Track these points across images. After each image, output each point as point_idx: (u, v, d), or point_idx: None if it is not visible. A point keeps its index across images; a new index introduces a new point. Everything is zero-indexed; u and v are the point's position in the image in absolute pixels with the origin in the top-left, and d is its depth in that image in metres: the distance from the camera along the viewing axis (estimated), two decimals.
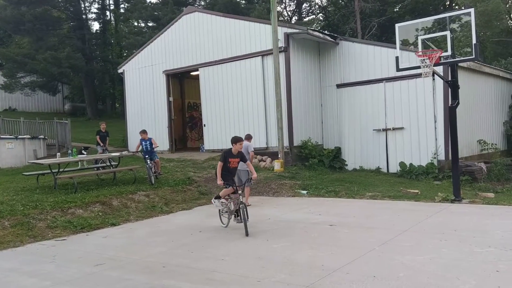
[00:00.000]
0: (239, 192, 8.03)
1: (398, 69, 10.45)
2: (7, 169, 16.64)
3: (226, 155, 8.23)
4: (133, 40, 29.35)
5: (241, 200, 8.01)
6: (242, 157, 8.34)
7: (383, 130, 15.34)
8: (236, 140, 8.29)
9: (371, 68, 15.58)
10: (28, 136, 19.09)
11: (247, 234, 7.58)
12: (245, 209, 7.84)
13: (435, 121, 14.13)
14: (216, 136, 17.62)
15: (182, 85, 21.65)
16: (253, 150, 11.60)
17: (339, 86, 16.38)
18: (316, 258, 6.16)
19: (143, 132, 12.69)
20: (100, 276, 5.80)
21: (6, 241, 7.70)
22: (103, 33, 37.84)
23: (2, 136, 17.96)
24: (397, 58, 10.29)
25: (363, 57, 15.77)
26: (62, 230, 8.46)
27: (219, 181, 7.97)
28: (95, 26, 40.17)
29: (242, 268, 5.85)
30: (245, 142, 11.61)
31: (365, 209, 9.78)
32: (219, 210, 8.45)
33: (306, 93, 16.23)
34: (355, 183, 13.17)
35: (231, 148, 8.27)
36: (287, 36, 15.36)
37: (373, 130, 15.56)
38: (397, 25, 10.36)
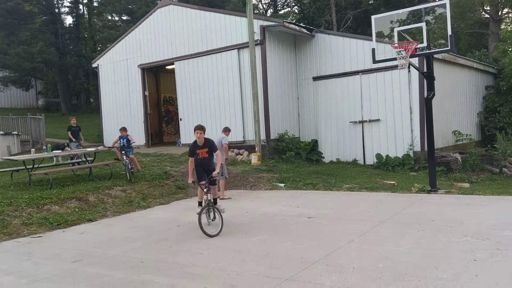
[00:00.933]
0: (205, 190, 7.58)
1: (374, 61, 10.57)
2: None
3: (193, 148, 7.86)
4: (107, 34, 28.85)
5: (209, 198, 7.60)
6: (210, 146, 7.92)
7: (360, 122, 15.51)
8: (196, 128, 7.94)
9: (347, 60, 15.70)
10: (1, 132, 18.68)
11: (214, 235, 7.24)
12: (213, 210, 7.61)
13: (410, 113, 14.35)
14: (192, 130, 17.40)
15: (158, 79, 21.41)
16: (227, 143, 11.60)
17: (315, 78, 16.47)
18: (295, 250, 6.22)
19: (123, 129, 12.65)
20: (78, 273, 5.74)
21: None
22: (77, 27, 37.06)
23: None
24: (373, 50, 10.40)
25: (339, 50, 15.86)
26: (38, 227, 8.31)
27: (190, 179, 7.65)
28: (68, 20, 39.51)
29: (221, 262, 5.87)
30: (220, 135, 11.66)
31: (343, 201, 9.91)
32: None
33: (282, 86, 16.27)
34: (332, 175, 13.30)
35: (196, 140, 7.91)
36: (263, 29, 15.33)
37: (350, 122, 15.71)
38: (373, 17, 10.46)
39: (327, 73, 16.12)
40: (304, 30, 16.13)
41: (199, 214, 7.37)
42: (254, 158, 14.53)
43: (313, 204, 9.75)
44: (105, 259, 6.30)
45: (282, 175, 13.40)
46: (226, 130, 11.87)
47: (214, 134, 16.49)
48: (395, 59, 9.89)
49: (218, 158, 8.08)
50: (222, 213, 7.68)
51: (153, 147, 18.79)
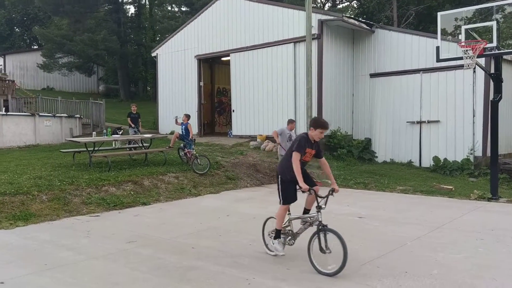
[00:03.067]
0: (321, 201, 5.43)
1: (438, 60, 10.15)
2: (44, 146, 17.21)
3: (304, 143, 5.42)
4: (167, 24, 29.55)
5: (319, 218, 5.33)
6: (318, 150, 5.67)
7: (417, 122, 15.01)
8: (321, 124, 5.49)
9: (408, 58, 15.20)
10: (65, 115, 19.68)
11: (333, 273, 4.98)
12: (325, 236, 5.17)
13: (473, 115, 13.71)
14: (244, 122, 17.66)
15: (213, 70, 21.73)
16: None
17: (372, 75, 16.09)
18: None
19: (185, 116, 12.79)
20: (132, 253, 5.94)
21: (43, 214, 7.98)
22: (138, 17, 38.26)
23: (40, 114, 18.55)
24: (437, 48, 9.99)
25: (400, 47, 15.39)
26: (96, 207, 8.68)
27: (303, 185, 5.21)
28: (131, 9, 40.65)
29: (271, 255, 5.86)
30: (288, 129, 11.43)
31: (396, 203, 9.63)
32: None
33: (337, 82, 16.02)
34: (385, 176, 12.98)
35: (306, 134, 5.55)
36: (321, 23, 15.14)
37: (407, 122, 15.24)
38: (439, 14, 10.03)
39: (386, 70, 15.70)
40: (364, 25, 15.77)
41: (310, 242, 5.28)
42: None
43: (364, 204, 9.56)
44: (157, 242, 6.48)
45: (332, 173, 13.08)
46: (292, 122, 11.66)
47: (266, 128, 16.58)
48: (461, 58, 9.45)
49: (327, 167, 5.88)
50: (341, 238, 5.02)
51: (205, 136, 19.12)
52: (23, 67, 35.57)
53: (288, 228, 5.80)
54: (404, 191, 11.14)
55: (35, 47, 43.24)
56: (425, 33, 16.19)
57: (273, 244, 5.71)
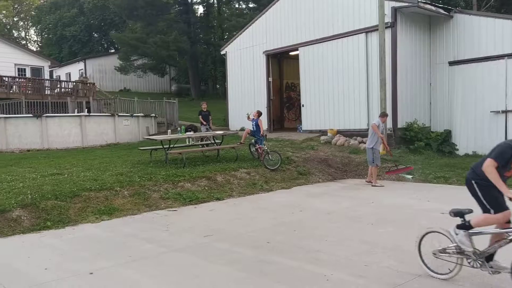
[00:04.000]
0: None
1: None
2: (123, 144, 18.17)
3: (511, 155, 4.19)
4: (235, 22, 29.95)
5: None
6: None
7: (503, 112, 13.94)
8: None
9: (491, 43, 14.15)
10: (142, 114, 20.61)
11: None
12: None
13: None
14: (314, 116, 17.42)
15: (281, 65, 21.66)
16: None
17: (451, 63, 15.17)
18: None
19: (257, 112, 12.89)
20: (210, 247, 6.06)
21: (126, 208, 8.39)
22: (207, 16, 39.15)
23: (119, 114, 19.58)
24: None
25: (482, 32, 14.36)
26: (173, 201, 8.99)
27: (508, 192, 4.08)
28: (200, 9, 41.72)
29: (347, 251, 5.72)
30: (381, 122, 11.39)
31: None
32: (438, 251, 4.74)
33: (413, 72, 15.30)
34: (468, 170, 12.19)
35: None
36: (395, 10, 14.51)
37: (491, 112, 14.20)
38: None
39: (466, 58, 14.73)
40: (441, 11, 14.91)
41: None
42: (380, 147, 13.94)
43: (446, 199, 9.03)
44: (233, 237, 6.56)
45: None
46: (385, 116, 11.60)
47: (336, 121, 16.25)
48: None
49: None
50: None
51: (275, 132, 19.13)
52: (102, 70, 37.80)
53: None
54: None
55: (112, 51, 45.77)
56: (510, 15, 14.98)
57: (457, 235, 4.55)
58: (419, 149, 14.48)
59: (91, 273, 5.09)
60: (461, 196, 9.19)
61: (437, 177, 11.55)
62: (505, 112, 13.92)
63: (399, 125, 14.90)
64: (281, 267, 5.17)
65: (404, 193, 9.81)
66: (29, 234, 6.96)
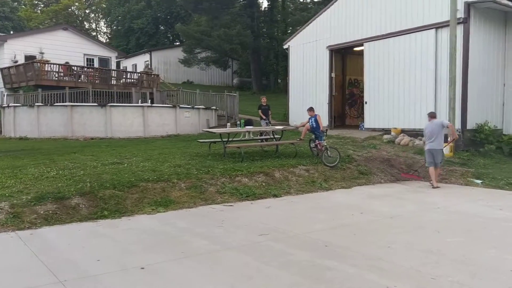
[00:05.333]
0: None
1: None
2: (184, 135, 18.48)
3: None
4: (299, 16, 29.58)
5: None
6: None
7: None
8: None
9: None
10: (203, 107, 20.88)
11: None
12: None
13: None
14: (377, 114, 16.77)
15: (344, 60, 21.07)
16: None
17: None
18: (501, 260, 5.32)
19: (309, 109, 12.67)
20: (264, 246, 5.91)
21: (182, 201, 8.43)
22: (271, 11, 38.99)
23: (181, 106, 19.95)
24: None
25: None
26: (229, 196, 8.93)
27: None
28: (264, 3, 41.69)
29: (412, 260, 5.35)
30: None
31: None
32: None
33: (485, 71, 14.28)
34: None
35: None
36: (468, 5, 13.59)
37: None
38: None
39: None
40: None
41: None
42: (446, 149, 13.16)
43: None
44: (289, 237, 6.37)
45: (478, 171, 11.91)
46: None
47: (401, 120, 15.52)
48: None
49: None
50: None
51: (336, 129, 18.66)
52: (166, 62, 38.85)
53: None
54: None
55: (177, 43, 46.91)
56: None
57: None
58: (490, 153, 13.56)
59: (142, 268, 5.07)
60: None
61: (510, 183, 10.73)
62: None
63: (469, 127, 14.01)
64: (339, 274, 4.91)
65: (473, 199, 9.15)
66: (85, 223, 7.10)
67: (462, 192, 10.13)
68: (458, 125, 13.70)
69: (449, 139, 11.90)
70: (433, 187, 10.51)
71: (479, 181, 11.04)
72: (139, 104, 19.61)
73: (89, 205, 7.71)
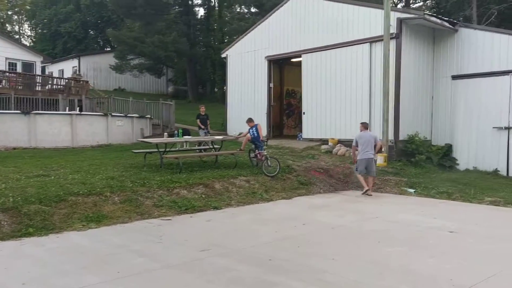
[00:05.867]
0: None
1: None
2: (116, 145, 17.65)
3: None
4: (236, 25, 29.58)
5: None
6: None
7: (505, 128, 13.68)
8: None
9: (496, 59, 13.92)
10: (136, 115, 20.10)
11: None
12: None
13: None
14: (315, 125, 17.06)
15: (282, 71, 21.30)
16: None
17: (454, 77, 14.92)
18: (440, 270, 5.43)
19: (249, 120, 12.55)
20: (207, 263, 5.62)
21: (116, 216, 7.90)
22: (207, 19, 38.79)
23: (113, 114, 19.07)
24: None
25: (486, 47, 14.13)
26: (167, 210, 8.52)
27: None
28: (200, 12, 41.33)
29: (356, 272, 5.32)
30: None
31: (489, 217, 8.69)
32: None
33: (416, 84, 15.02)
34: (470, 185, 11.90)
35: None
36: (400, 21, 14.24)
37: (493, 128, 13.94)
38: None
39: (470, 72, 14.50)
40: (446, 24, 14.68)
41: None
42: (380, 159, 13.60)
43: (452, 216, 8.70)
44: (232, 252, 6.13)
45: (411, 180, 12.38)
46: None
47: (338, 131, 15.83)
48: None
49: None
50: None
51: (274, 139, 18.72)
52: (96, 68, 37.23)
53: None
54: (494, 202, 10.08)
55: (108, 49, 45.23)
56: None
57: None
58: (420, 162, 14.18)
59: None
60: (465, 214, 8.92)
61: (440, 192, 11.22)
62: (508, 128, 13.69)
63: (401, 137, 14.60)
64: None
65: (408, 209, 9.44)
66: (8, 241, 6.44)
67: (397, 201, 10.43)
68: (391, 136, 14.23)
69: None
70: (365, 193, 10.83)
71: (412, 190, 11.45)
72: (67, 112, 18.52)
73: (12, 221, 7.02)
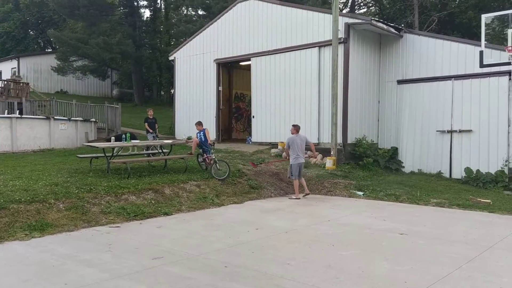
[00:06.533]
0: None
1: (482, 65, 9.58)
2: (59, 150, 16.77)
3: None
4: (183, 28, 29.16)
5: None
6: None
7: (448, 131, 14.32)
8: None
9: (438, 64, 14.55)
10: (80, 119, 19.22)
11: None
12: None
13: (508, 125, 13.00)
14: (264, 128, 17.07)
15: (231, 75, 21.21)
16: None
17: (400, 82, 15.45)
18: (395, 272, 5.50)
19: (198, 123, 12.34)
20: (160, 271, 5.38)
21: (61, 224, 7.45)
22: (153, 21, 37.95)
23: (55, 117, 18.12)
24: (481, 52, 9.45)
25: (430, 52, 14.74)
26: (115, 216, 8.15)
27: None
28: (146, 13, 40.39)
29: (313, 277, 5.27)
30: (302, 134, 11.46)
31: (435, 218, 8.97)
32: None
33: (363, 88, 15.40)
34: (416, 187, 12.31)
35: None
36: (348, 26, 14.55)
37: (437, 131, 14.55)
38: (483, 16, 9.48)
39: (414, 77, 15.06)
40: (392, 30, 15.17)
41: None
42: (329, 162, 13.81)
43: (401, 218, 8.92)
44: (186, 259, 5.91)
45: (359, 183, 12.63)
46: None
47: (288, 135, 15.84)
48: (509, 63, 8.80)
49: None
50: None
51: (223, 143, 18.58)
52: (37, 70, 35.41)
53: None
54: (439, 204, 10.47)
55: (49, 50, 43.18)
56: (458, 38, 15.54)
57: None
58: (368, 165, 14.52)
59: None
60: (413, 215, 9.19)
61: (388, 194, 11.50)
62: (451, 132, 14.31)
63: (349, 141, 14.89)
64: None
65: (359, 211, 9.59)
66: None
67: (347, 204, 10.59)
68: (340, 139, 14.47)
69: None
70: (296, 198, 10.99)
71: (361, 193, 11.67)
72: (6, 115, 17.35)
73: None
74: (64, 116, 19.05)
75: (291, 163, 11.15)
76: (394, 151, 15.42)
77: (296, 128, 11.48)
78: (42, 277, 5.15)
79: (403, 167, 15.18)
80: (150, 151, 13.41)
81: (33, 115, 19.20)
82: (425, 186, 12.70)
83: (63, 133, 17.87)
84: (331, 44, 14.10)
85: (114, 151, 11.46)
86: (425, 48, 14.86)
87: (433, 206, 10.34)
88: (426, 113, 14.81)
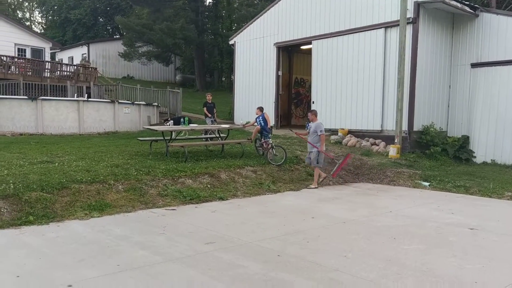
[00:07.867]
0: None
1: None
2: (123, 133, 17.34)
3: None
4: (245, 11, 29.04)
5: None
6: None
7: None
8: None
9: None
10: (143, 103, 19.75)
11: None
12: None
13: None
14: (324, 114, 16.51)
15: (291, 59, 20.77)
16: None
17: (474, 65, 14.31)
18: (463, 270, 5.00)
19: (259, 108, 12.15)
20: (211, 257, 5.25)
21: (119, 205, 7.58)
22: (215, 6, 38.18)
23: (120, 101, 18.74)
24: None
25: (509, 33, 13.49)
26: (172, 199, 8.18)
27: None
28: None
29: (372, 272, 4.90)
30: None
31: (511, 213, 8.20)
32: None
33: (433, 72, 14.43)
34: (488, 179, 11.39)
35: None
36: (418, 5, 13.62)
37: None
38: None
39: (491, 60, 13.89)
40: (467, 8, 14.04)
41: None
42: (393, 151, 13.14)
43: (471, 212, 8.23)
44: (238, 246, 5.74)
45: (425, 173, 11.90)
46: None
47: (348, 121, 15.34)
48: None
49: None
50: None
51: (282, 128, 18.30)
52: (105, 56, 36.95)
53: None
54: None
55: (117, 36, 44.86)
56: None
57: None
58: (435, 155, 13.67)
59: (69, 286, 4.28)
60: (486, 209, 8.45)
61: (457, 186, 10.72)
62: None
63: (415, 128, 14.08)
64: None
65: (424, 203, 8.98)
66: (7, 230, 6.17)
67: (412, 195, 9.97)
68: (405, 126, 13.72)
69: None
70: (323, 180, 10.56)
71: (426, 184, 10.98)
72: (74, 99, 18.19)
73: (12, 209, 6.74)
74: (128, 100, 19.65)
75: (319, 151, 10.46)
76: (465, 139, 14.39)
77: (313, 113, 10.82)
78: (96, 256, 5.19)
79: (475, 157, 14.14)
80: (208, 135, 13.44)
81: (100, 99, 19.99)
82: (498, 177, 11.71)
83: (126, 117, 18.44)
84: (398, 25, 13.31)
85: (172, 135, 11.56)
86: (503, 29, 13.62)
87: (508, 199, 9.49)
88: (503, 100, 13.63)
